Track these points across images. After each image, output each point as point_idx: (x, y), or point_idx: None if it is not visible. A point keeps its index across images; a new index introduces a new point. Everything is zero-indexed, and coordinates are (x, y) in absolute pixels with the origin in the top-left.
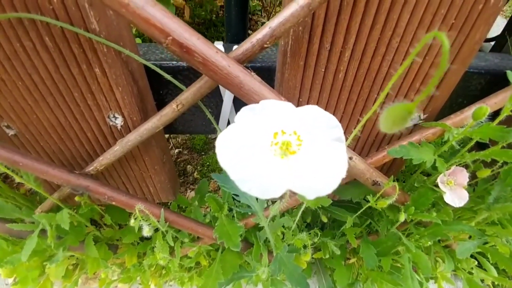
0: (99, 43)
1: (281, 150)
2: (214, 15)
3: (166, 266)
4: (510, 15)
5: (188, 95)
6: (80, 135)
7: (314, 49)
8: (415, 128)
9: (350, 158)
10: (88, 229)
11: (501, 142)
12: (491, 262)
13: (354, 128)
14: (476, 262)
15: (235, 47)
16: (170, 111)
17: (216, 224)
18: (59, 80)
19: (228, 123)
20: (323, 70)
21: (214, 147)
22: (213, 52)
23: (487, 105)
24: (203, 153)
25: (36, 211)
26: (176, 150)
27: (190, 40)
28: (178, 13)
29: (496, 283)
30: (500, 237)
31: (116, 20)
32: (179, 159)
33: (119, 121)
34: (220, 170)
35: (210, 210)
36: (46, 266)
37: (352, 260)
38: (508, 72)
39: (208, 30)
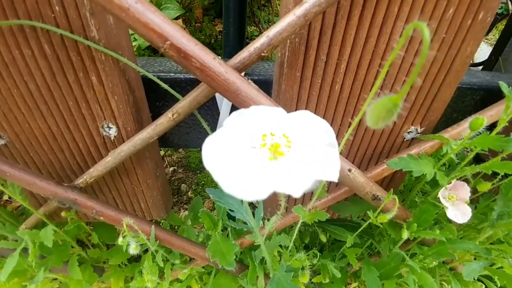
0: (97, 51)
1: (270, 152)
2: (213, 39)
3: None
4: (495, 43)
5: (184, 104)
6: (71, 146)
7: (311, 61)
8: (413, 141)
9: (349, 171)
10: (73, 249)
11: (500, 154)
12: (499, 285)
13: (353, 143)
14: (484, 286)
15: None
16: (165, 120)
17: (209, 242)
18: (55, 88)
19: None
20: (319, 81)
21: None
22: (210, 58)
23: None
24: (198, 171)
25: (20, 228)
26: (171, 168)
27: (188, 45)
28: None
29: None
30: (506, 257)
31: (116, 29)
32: (173, 178)
33: (113, 131)
34: (215, 187)
35: (204, 228)
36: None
37: (354, 285)
38: (501, 83)
39: None
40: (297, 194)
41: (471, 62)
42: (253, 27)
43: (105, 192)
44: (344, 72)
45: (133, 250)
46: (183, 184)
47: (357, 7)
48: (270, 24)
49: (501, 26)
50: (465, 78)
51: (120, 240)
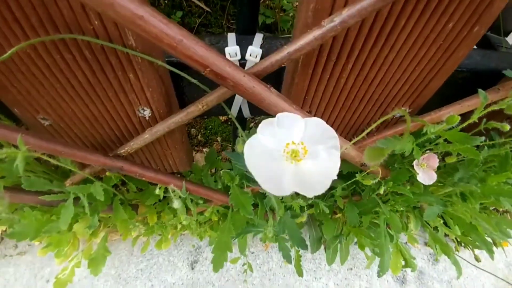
0: (134, 56)
1: (291, 157)
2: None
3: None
4: None
5: (213, 98)
6: (111, 124)
7: (322, 61)
8: (400, 119)
9: (345, 148)
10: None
11: None
12: (453, 224)
13: (350, 118)
14: (442, 221)
15: (250, 48)
16: (195, 109)
17: (230, 193)
18: (95, 83)
19: (240, 110)
20: (328, 76)
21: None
22: (241, 76)
23: (462, 107)
24: (205, 117)
25: (66, 183)
26: None
27: (224, 69)
28: None
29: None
30: (457, 207)
31: None
32: None
33: (147, 113)
34: (222, 132)
35: (218, 173)
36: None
37: (338, 215)
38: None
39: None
40: (311, 195)
41: None
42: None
43: (139, 155)
44: (350, 70)
45: (177, 206)
46: (192, 129)
47: (368, 20)
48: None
49: None
50: None
51: (157, 190)
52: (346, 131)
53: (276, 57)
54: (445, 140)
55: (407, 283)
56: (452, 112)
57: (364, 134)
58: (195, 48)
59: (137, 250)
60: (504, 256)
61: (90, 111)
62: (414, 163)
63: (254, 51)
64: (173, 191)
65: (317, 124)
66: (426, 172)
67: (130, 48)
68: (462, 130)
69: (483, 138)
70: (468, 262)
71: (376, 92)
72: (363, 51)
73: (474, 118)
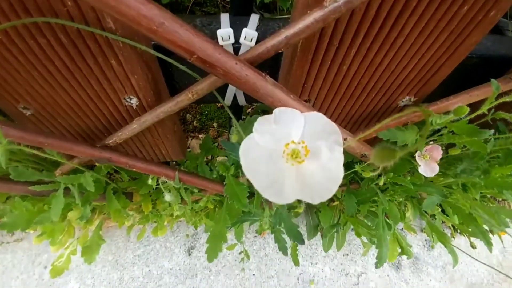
0: (115, 40)
1: (292, 158)
2: None
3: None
4: None
5: (203, 86)
6: (96, 113)
7: (323, 46)
8: (404, 108)
9: (345, 139)
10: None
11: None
12: (452, 214)
13: (352, 107)
14: (440, 209)
15: (244, 30)
16: (185, 98)
17: (225, 183)
18: (75, 70)
19: (234, 97)
20: (329, 62)
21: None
22: (233, 64)
23: (471, 96)
24: (201, 102)
25: (56, 173)
26: None
27: (213, 56)
28: None
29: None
30: (457, 198)
31: None
32: None
33: (134, 102)
34: (218, 118)
35: (214, 160)
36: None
37: (336, 203)
38: (493, 80)
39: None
40: (316, 202)
41: None
42: None
43: (130, 144)
44: (353, 55)
45: (168, 199)
46: (188, 114)
47: (376, 1)
48: None
49: None
50: None
51: (149, 181)
52: (347, 121)
53: (272, 42)
54: (451, 131)
55: (402, 268)
56: (460, 102)
57: (374, 129)
58: (178, 32)
59: (133, 236)
60: (500, 242)
61: (72, 99)
62: (417, 154)
63: (249, 34)
64: (164, 183)
65: (317, 119)
66: (428, 163)
67: (109, 32)
68: (469, 120)
69: (492, 131)
70: (463, 252)
71: (380, 79)
72: (369, 34)
73: (483, 109)
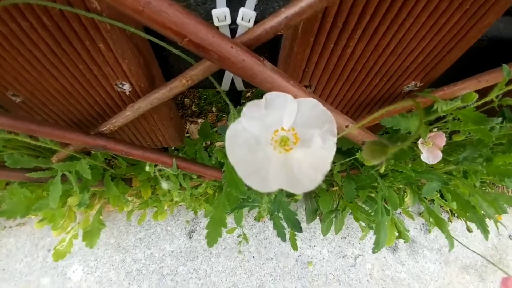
0: (101, 21)
1: (280, 146)
2: None
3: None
4: None
5: (198, 72)
6: (88, 99)
7: (326, 28)
8: (409, 94)
9: (346, 126)
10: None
11: None
12: (451, 200)
13: (354, 92)
14: (439, 194)
15: (242, 10)
16: (179, 84)
17: (223, 170)
18: (62, 54)
19: (232, 82)
20: (332, 45)
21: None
22: (228, 47)
23: (480, 82)
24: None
25: (52, 160)
26: None
27: (206, 39)
28: None
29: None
30: (456, 184)
31: None
32: None
33: (126, 88)
34: (217, 102)
35: (213, 146)
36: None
37: (335, 188)
38: (504, 66)
39: None
40: (299, 192)
41: None
42: None
43: (125, 131)
44: (358, 37)
45: (166, 187)
46: (186, 99)
47: None
48: None
49: None
50: None
51: (147, 168)
52: (348, 107)
53: (271, 23)
54: (456, 118)
55: (399, 251)
56: (468, 88)
57: (377, 115)
58: (167, 13)
59: (134, 220)
60: (495, 226)
61: (62, 85)
62: (419, 141)
63: (246, 13)
64: (160, 171)
65: (312, 106)
66: (431, 151)
67: (94, 13)
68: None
69: (500, 119)
70: (457, 240)
71: (386, 63)
72: (376, 15)
73: (492, 95)
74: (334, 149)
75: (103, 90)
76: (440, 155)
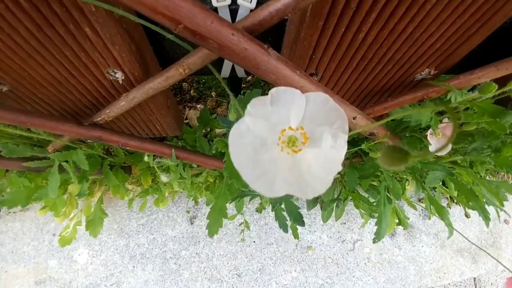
0: (84, 2)
1: (288, 147)
2: None
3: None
4: None
5: (196, 59)
6: (79, 88)
7: (338, 10)
8: (421, 82)
9: (354, 118)
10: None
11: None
12: (454, 189)
13: (364, 81)
14: (441, 182)
15: None
16: (176, 73)
17: (224, 161)
18: (45, 39)
19: (232, 68)
20: (343, 30)
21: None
22: (228, 34)
23: (499, 70)
24: None
25: (48, 149)
26: None
27: (203, 25)
28: None
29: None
30: (461, 175)
31: None
32: None
33: (119, 76)
34: (216, 87)
35: (213, 132)
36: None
37: (337, 176)
38: None
39: None
40: (309, 197)
41: None
42: None
43: (122, 121)
44: (373, 21)
45: (165, 180)
46: (184, 83)
47: None
48: None
49: None
50: None
51: (146, 158)
52: (356, 96)
53: (276, 5)
54: (469, 108)
55: (397, 236)
56: (486, 76)
57: (387, 105)
58: None
59: (136, 206)
60: (497, 214)
61: (49, 73)
62: (429, 132)
63: None
64: (158, 164)
65: (322, 101)
66: (440, 141)
67: None
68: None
69: None
70: (454, 229)
71: (400, 50)
72: None
73: (511, 85)
74: (346, 148)
75: (94, 78)
76: (449, 147)
